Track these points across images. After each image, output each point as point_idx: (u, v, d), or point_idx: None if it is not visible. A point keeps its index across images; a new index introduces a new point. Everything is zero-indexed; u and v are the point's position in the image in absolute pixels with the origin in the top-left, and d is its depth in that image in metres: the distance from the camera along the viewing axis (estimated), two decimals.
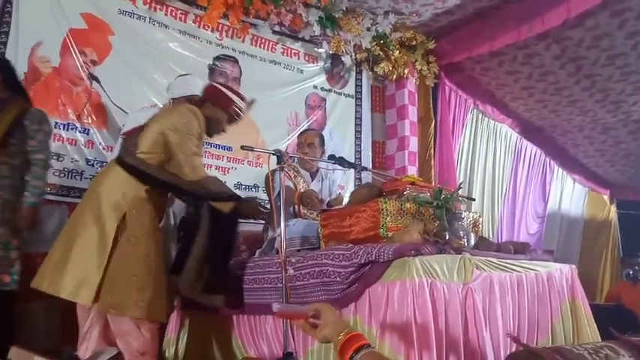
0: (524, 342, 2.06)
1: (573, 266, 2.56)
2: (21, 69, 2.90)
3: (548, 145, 6.59)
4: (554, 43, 4.56)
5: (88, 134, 3.11)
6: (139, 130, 2.25)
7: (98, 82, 3.14)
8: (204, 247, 2.17)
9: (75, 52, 3.13)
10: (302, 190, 2.74)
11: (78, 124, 3.08)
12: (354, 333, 1.13)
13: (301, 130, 3.18)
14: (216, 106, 2.30)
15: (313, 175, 2.95)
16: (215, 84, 2.45)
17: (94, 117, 3.15)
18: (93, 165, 3.07)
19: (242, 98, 2.38)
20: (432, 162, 4.85)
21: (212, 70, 3.79)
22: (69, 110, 3.06)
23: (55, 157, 2.95)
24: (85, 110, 3.11)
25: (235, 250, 2.41)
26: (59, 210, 2.79)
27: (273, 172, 2.53)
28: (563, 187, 7.07)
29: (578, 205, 7.39)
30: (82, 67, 3.13)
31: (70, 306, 2.18)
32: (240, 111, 2.35)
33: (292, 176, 2.78)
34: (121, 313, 1.99)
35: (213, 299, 2.21)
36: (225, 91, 2.34)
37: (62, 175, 2.97)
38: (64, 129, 3.02)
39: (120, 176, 2.12)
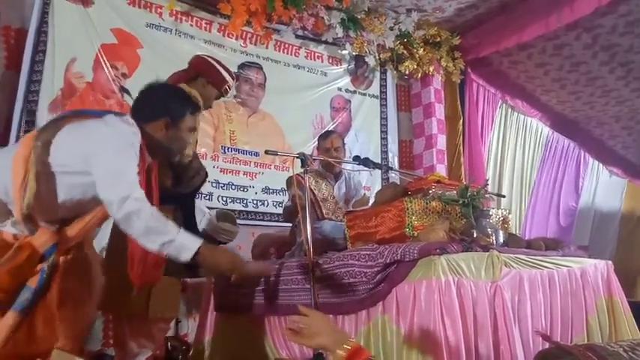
0: (558, 340, 2.02)
1: (609, 262, 2.48)
2: (57, 85, 3.06)
3: (582, 137, 6.39)
4: (585, 32, 4.43)
5: None
6: None
7: (129, 94, 3.27)
8: None
9: (107, 67, 3.26)
10: (320, 196, 2.75)
11: None
12: (357, 346, 1.09)
13: (322, 134, 3.04)
14: (210, 84, 2.25)
15: (337, 177, 2.96)
16: (205, 57, 2.35)
17: None
18: None
19: (231, 75, 2.34)
20: (462, 159, 4.79)
21: (237, 77, 3.87)
22: None
23: None
24: None
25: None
26: None
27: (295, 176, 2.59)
28: (598, 180, 6.82)
29: (614, 198, 7.11)
30: (113, 80, 3.27)
31: None
32: (230, 89, 2.31)
33: (313, 182, 2.77)
34: (165, 313, 2.09)
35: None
36: (219, 68, 2.28)
37: None
38: None
39: None
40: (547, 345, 1.86)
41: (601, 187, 6.84)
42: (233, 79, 2.35)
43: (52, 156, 1.53)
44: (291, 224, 2.84)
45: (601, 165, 6.87)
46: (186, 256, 1.49)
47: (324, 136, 2.99)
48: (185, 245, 1.51)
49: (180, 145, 1.79)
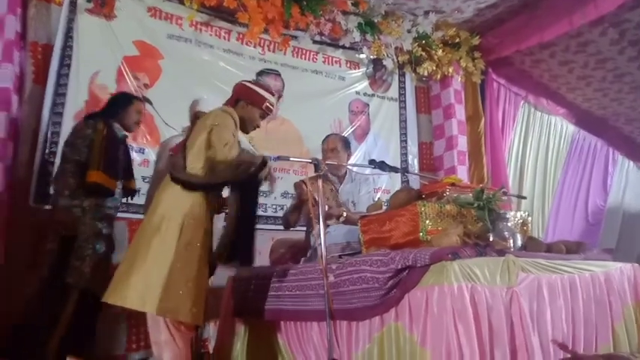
0: (582, 349, 1.96)
1: (636, 265, 2.39)
2: (82, 97, 3.17)
3: (611, 134, 6.17)
4: (611, 28, 4.30)
5: (143, 153, 3.33)
6: (183, 144, 2.33)
7: (151, 103, 3.34)
8: (236, 219, 2.20)
9: (129, 78, 3.36)
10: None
11: (134, 145, 3.30)
12: None
13: (324, 137, 3.04)
14: (250, 105, 2.37)
15: (341, 179, 2.94)
16: (245, 82, 2.49)
17: (148, 137, 3.37)
18: (149, 182, 3.27)
19: (272, 94, 2.46)
20: (484, 160, 4.71)
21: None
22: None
23: None
24: (139, 131, 3.33)
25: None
26: (119, 225, 3.00)
27: (303, 182, 2.73)
28: (628, 179, 6.55)
29: None
30: (135, 91, 3.35)
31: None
32: (272, 106, 2.42)
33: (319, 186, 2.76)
34: (175, 317, 2.09)
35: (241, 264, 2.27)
36: (257, 89, 2.40)
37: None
38: None
39: (175, 191, 2.21)
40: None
41: (631, 185, 6.58)
42: (273, 95, 2.49)
43: None
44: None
45: (631, 162, 6.62)
46: None
47: (325, 139, 3.02)
48: None
49: None
